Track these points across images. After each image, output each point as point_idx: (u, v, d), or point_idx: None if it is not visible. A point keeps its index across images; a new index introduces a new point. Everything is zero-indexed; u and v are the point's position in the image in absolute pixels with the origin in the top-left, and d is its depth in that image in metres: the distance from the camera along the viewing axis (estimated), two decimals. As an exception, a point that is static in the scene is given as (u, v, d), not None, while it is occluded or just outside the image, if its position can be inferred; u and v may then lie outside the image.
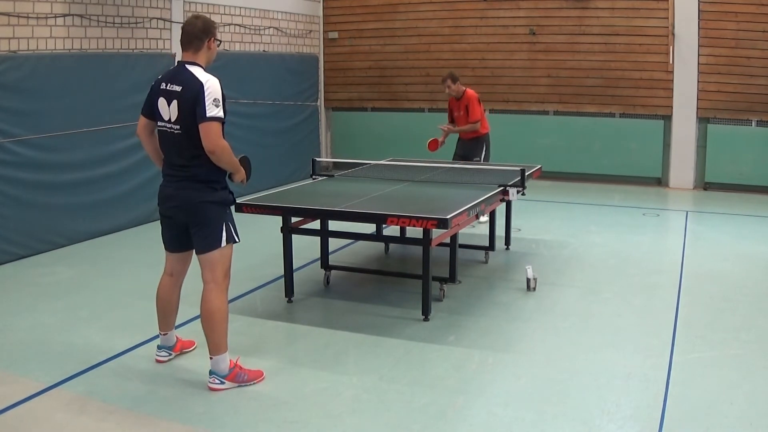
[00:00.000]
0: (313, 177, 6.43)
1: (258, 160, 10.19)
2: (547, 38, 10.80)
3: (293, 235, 5.28)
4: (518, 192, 5.89)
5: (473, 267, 6.31)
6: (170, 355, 4.26)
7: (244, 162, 4.05)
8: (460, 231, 5.36)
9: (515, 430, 3.47)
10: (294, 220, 5.30)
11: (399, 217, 4.68)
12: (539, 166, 7.02)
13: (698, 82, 10.08)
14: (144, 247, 7.17)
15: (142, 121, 3.97)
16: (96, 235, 7.34)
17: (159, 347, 4.26)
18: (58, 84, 6.86)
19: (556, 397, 3.80)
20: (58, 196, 6.94)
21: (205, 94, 3.63)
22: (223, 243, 3.84)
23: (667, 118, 10.41)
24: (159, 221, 4.10)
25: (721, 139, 10.12)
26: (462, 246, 6.08)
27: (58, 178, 6.93)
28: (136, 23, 8.09)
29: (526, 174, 6.06)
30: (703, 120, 10.25)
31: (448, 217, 4.59)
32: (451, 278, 5.51)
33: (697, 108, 10.16)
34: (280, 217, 5.19)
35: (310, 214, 5.27)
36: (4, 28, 6.60)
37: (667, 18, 10.06)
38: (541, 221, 8.17)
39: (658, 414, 3.57)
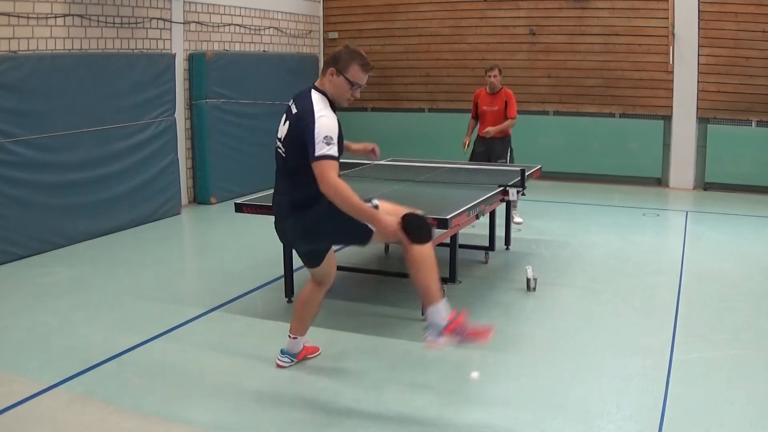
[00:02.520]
0: (313, 177, 6.42)
1: (258, 161, 10.25)
2: (547, 38, 10.80)
3: (293, 235, 5.27)
4: (518, 192, 5.89)
5: (473, 267, 6.31)
6: (292, 362, 4.09)
7: (415, 221, 3.45)
8: (460, 231, 5.36)
9: (515, 430, 3.47)
10: (294, 220, 5.29)
11: (399, 217, 4.67)
12: (539, 166, 7.02)
13: (698, 82, 10.08)
14: (144, 247, 7.18)
15: None
16: (96, 235, 7.34)
17: (283, 352, 4.06)
18: (58, 84, 6.86)
19: (556, 397, 3.80)
20: (58, 197, 6.93)
21: (315, 130, 3.32)
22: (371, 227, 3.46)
23: (667, 119, 10.41)
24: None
25: (721, 139, 10.12)
26: (462, 246, 6.07)
27: (58, 178, 6.93)
28: (136, 23, 8.09)
29: (526, 174, 6.06)
30: (702, 120, 10.25)
31: (448, 217, 4.59)
32: (451, 278, 5.51)
33: (697, 108, 10.16)
34: (280, 217, 5.19)
35: (310, 214, 5.26)
36: (4, 28, 6.60)
37: (667, 18, 10.06)
38: (541, 221, 8.17)
39: (658, 414, 3.57)
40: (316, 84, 3.62)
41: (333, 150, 3.31)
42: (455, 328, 3.39)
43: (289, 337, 4.05)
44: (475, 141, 7.95)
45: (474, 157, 7.85)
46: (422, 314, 3.32)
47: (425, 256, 3.47)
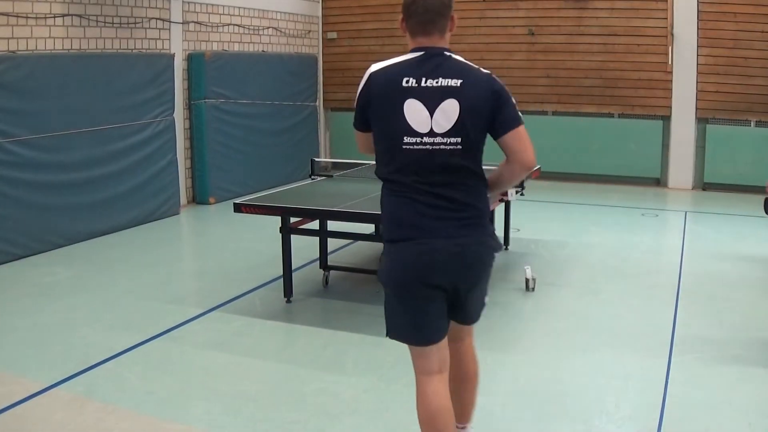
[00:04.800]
0: (312, 177, 6.43)
1: (257, 161, 10.21)
2: (545, 38, 10.80)
3: (292, 236, 5.28)
4: (517, 192, 5.89)
5: (472, 267, 6.30)
6: None
7: None
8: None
9: (515, 430, 3.47)
10: (293, 220, 5.30)
11: (398, 217, 4.67)
12: (538, 166, 7.00)
13: (697, 82, 10.08)
14: (142, 247, 7.18)
15: (364, 138, 2.75)
16: (95, 235, 7.33)
17: None
18: (56, 84, 6.85)
19: (556, 397, 3.80)
20: (57, 197, 6.93)
21: (507, 91, 2.65)
22: (487, 299, 2.92)
23: (666, 119, 10.41)
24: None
25: (720, 139, 10.12)
26: (461, 246, 6.08)
27: (57, 178, 6.93)
28: (135, 23, 8.08)
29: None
30: (701, 120, 10.25)
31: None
32: (450, 278, 5.50)
33: (696, 108, 10.17)
34: (279, 218, 5.19)
35: (308, 215, 5.27)
36: (3, 28, 6.59)
37: (666, 18, 10.07)
38: (541, 221, 8.17)
39: (657, 414, 3.57)
40: (437, 47, 2.65)
41: None
42: None
43: (458, 427, 3.00)
44: None
45: None
46: (459, 426, 3.01)
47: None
